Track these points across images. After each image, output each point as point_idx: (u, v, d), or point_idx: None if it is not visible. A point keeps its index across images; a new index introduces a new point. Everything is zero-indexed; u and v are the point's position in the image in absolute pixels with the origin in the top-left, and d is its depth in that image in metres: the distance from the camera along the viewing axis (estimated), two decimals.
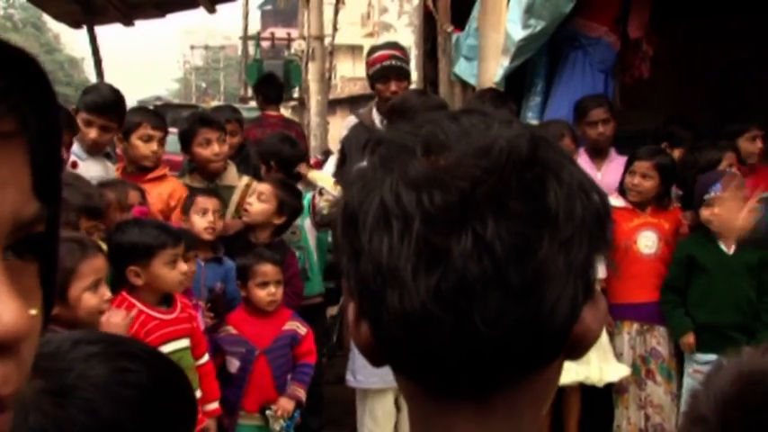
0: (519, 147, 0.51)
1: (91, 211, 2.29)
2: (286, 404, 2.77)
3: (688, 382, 3.21)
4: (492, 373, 0.53)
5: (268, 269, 2.78)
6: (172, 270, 2.34)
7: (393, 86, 3.63)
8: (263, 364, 2.77)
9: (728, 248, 3.13)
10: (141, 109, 3.49)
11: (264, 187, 3.13)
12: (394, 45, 3.89)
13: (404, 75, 3.74)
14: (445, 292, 0.49)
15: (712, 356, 3.09)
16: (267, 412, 2.74)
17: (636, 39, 3.97)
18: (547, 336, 0.52)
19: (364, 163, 0.58)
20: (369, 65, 3.72)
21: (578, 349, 0.56)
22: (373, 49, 3.85)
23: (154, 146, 3.13)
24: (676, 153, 3.72)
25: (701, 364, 3.13)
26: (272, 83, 5.47)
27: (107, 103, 2.98)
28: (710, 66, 5.27)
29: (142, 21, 6.33)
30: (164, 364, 0.80)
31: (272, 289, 2.78)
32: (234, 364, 2.76)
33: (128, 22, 6.17)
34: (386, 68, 3.61)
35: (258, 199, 3.09)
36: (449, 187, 0.49)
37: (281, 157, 3.67)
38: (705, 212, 3.09)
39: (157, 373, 0.76)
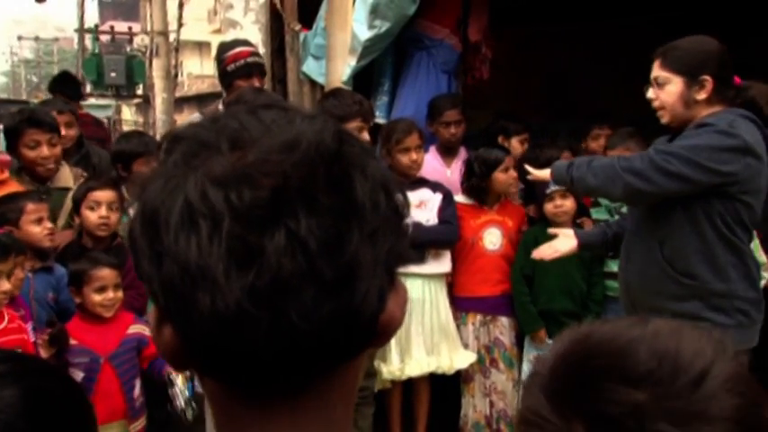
0: (325, 141, 0.52)
1: None
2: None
3: (529, 368, 3.41)
4: (306, 369, 0.53)
5: (105, 273, 2.64)
6: None
7: (256, 83, 3.56)
8: (110, 372, 2.64)
9: None
10: None
11: (110, 194, 2.96)
12: (248, 42, 3.83)
13: (264, 72, 3.69)
14: (260, 290, 0.48)
15: (549, 341, 3.31)
16: (171, 376, 2.62)
17: (475, 42, 4.16)
18: (358, 326, 0.53)
19: None
20: (227, 61, 3.60)
21: (384, 337, 0.57)
22: (227, 46, 3.75)
23: None
24: (514, 142, 3.94)
25: (539, 350, 3.34)
26: (70, 81, 5.20)
27: None
28: (543, 69, 5.64)
29: None
30: (65, 378, 0.85)
31: (110, 294, 2.65)
32: (77, 376, 2.60)
33: None
34: (250, 65, 3.52)
35: (111, 209, 2.94)
36: (258, 184, 0.49)
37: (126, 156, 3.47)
38: (547, 206, 3.32)
39: (64, 388, 0.81)
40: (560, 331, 0.77)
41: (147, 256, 0.52)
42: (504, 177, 3.44)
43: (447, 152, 3.80)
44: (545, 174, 2.70)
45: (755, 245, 2.74)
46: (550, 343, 3.25)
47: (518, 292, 3.41)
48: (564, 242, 2.80)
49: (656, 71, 2.44)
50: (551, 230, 2.92)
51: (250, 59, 3.52)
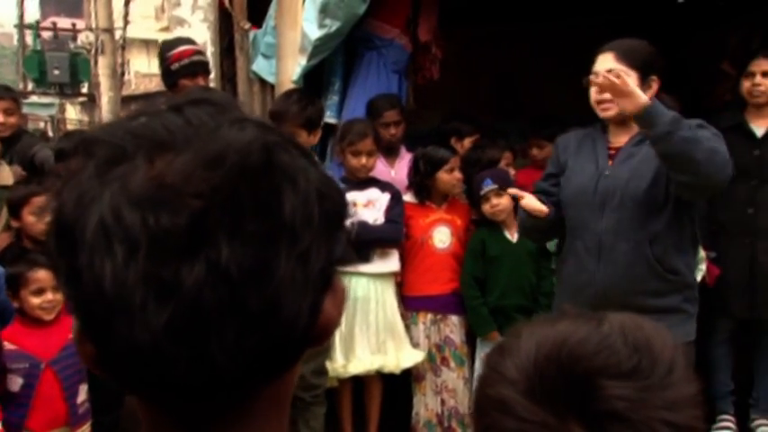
0: (252, 156, 0.48)
1: None
2: None
3: (482, 366, 3.42)
4: (233, 393, 0.51)
5: (42, 275, 2.55)
6: None
7: (201, 82, 3.52)
8: (51, 378, 2.57)
9: (512, 237, 3.40)
10: None
11: None
12: (192, 40, 3.77)
13: (208, 71, 3.65)
14: (179, 325, 0.45)
15: (500, 338, 3.34)
16: None
17: (425, 42, 4.17)
18: (288, 346, 0.51)
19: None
20: (171, 60, 3.54)
21: (322, 338, 0.55)
22: (170, 44, 3.69)
23: None
24: (466, 143, 3.96)
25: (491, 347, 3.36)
26: None
27: None
28: (492, 69, 5.70)
29: None
30: None
31: (48, 296, 2.57)
32: (16, 382, 2.52)
33: None
34: (194, 64, 3.48)
35: None
36: (177, 208, 0.45)
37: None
38: (484, 207, 3.35)
39: None
40: (511, 326, 0.77)
41: (64, 274, 0.48)
42: (447, 177, 3.46)
43: (388, 152, 3.80)
44: (639, 98, 2.21)
45: None
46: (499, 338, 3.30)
47: (469, 297, 3.42)
48: (536, 201, 2.62)
49: (612, 64, 2.39)
50: (512, 191, 2.74)
51: (195, 58, 3.49)
